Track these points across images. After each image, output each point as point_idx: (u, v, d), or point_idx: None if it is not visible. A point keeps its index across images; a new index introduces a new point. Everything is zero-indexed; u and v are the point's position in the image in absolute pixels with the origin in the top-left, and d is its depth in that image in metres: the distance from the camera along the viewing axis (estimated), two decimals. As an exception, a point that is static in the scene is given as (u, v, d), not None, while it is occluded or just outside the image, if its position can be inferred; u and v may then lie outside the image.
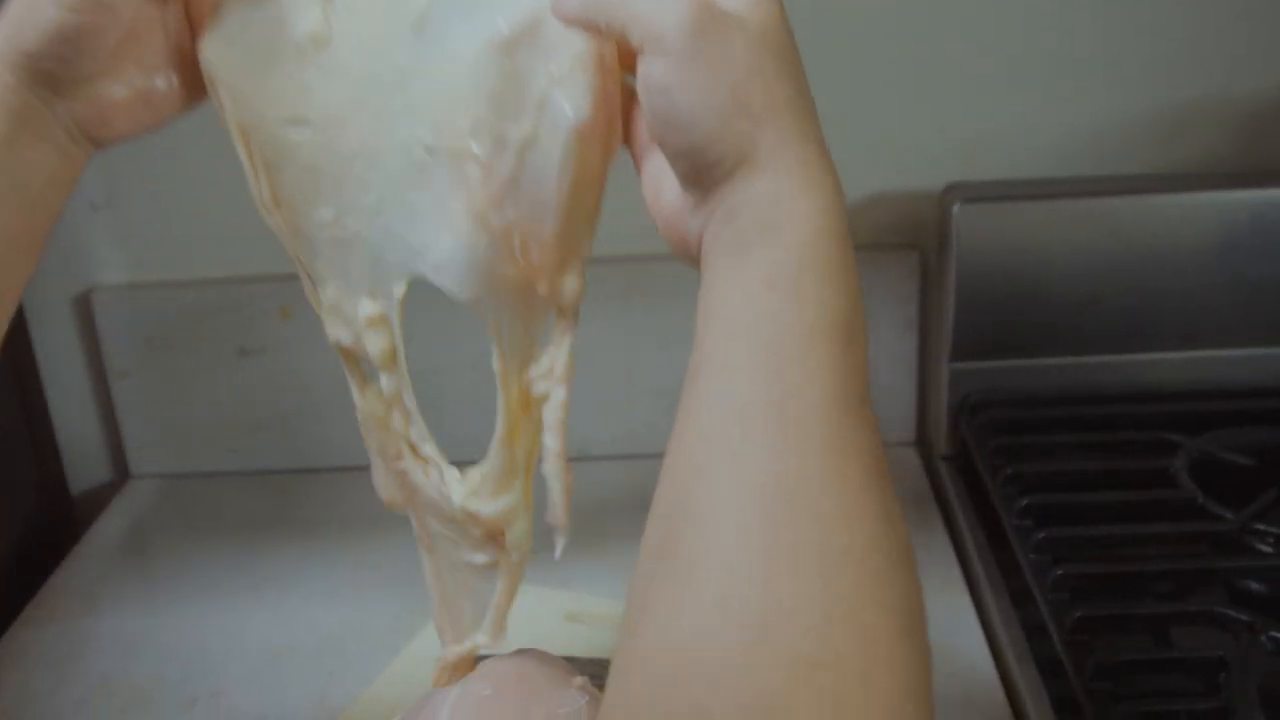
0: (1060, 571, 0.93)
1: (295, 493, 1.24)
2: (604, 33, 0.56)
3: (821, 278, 0.51)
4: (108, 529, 1.22)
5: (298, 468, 1.28)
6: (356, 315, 0.69)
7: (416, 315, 0.69)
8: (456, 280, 0.65)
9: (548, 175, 0.61)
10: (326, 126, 0.66)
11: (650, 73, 0.53)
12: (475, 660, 0.75)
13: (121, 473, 1.32)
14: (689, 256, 0.58)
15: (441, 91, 0.63)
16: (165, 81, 0.67)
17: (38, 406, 1.28)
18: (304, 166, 0.67)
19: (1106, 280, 1.15)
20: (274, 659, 1.01)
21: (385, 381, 0.71)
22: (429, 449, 0.72)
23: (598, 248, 1.24)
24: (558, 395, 0.68)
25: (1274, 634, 0.85)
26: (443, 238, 0.64)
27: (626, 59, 0.59)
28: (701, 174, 0.54)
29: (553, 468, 0.68)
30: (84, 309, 1.28)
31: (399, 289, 0.68)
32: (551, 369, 0.67)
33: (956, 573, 1.07)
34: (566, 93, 0.60)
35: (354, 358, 0.72)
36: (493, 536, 0.72)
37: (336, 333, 0.71)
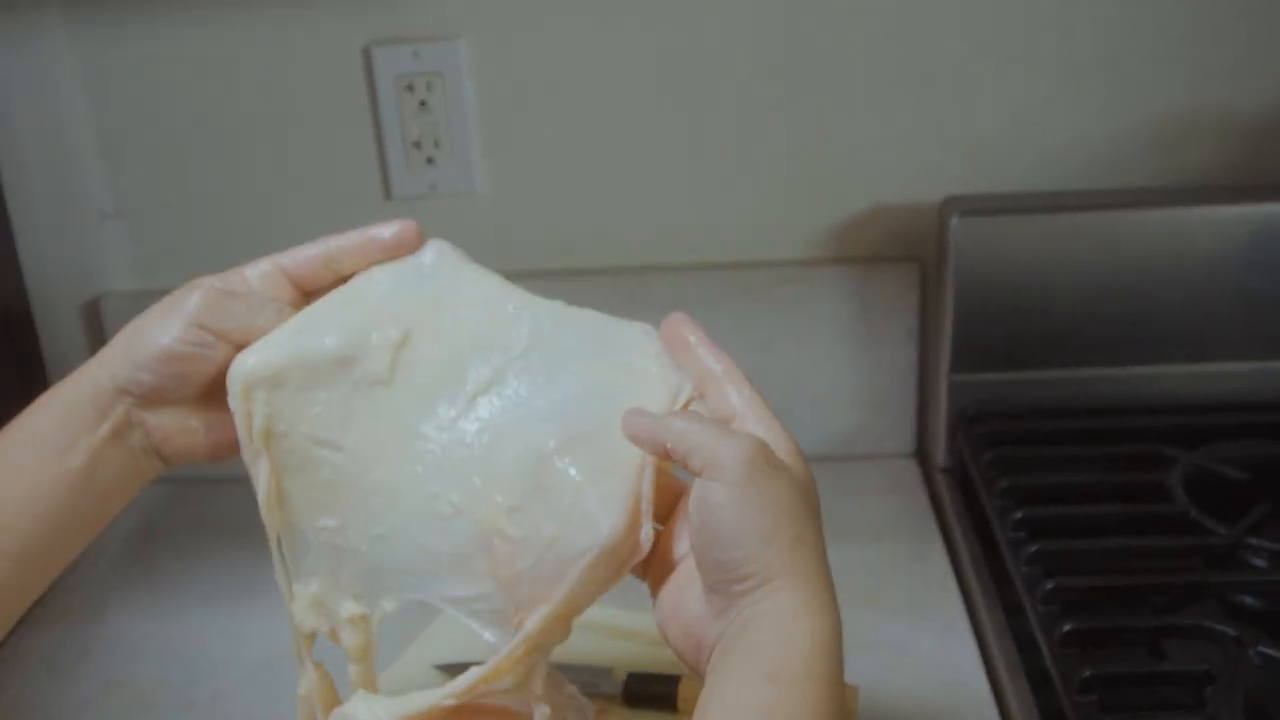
0: (1051, 585, 0.93)
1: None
2: (669, 455, 0.63)
3: (818, 686, 0.58)
4: (113, 534, 1.24)
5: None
6: (337, 611, 0.73)
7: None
8: (480, 618, 0.69)
9: (565, 571, 0.64)
10: (357, 458, 0.70)
11: (708, 491, 0.60)
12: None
13: (129, 478, 1.33)
14: (698, 662, 0.64)
15: (481, 465, 0.67)
16: (230, 426, 0.72)
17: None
18: (320, 483, 0.71)
19: (1105, 293, 1.16)
20: (271, 663, 1.02)
21: (353, 671, 0.74)
22: None
23: (599, 259, 1.25)
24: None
25: (1262, 649, 0.86)
26: (462, 585, 0.68)
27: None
28: (730, 585, 0.60)
29: None
30: (93, 316, 1.29)
31: (389, 604, 0.72)
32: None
33: (952, 584, 1.07)
34: (603, 506, 0.64)
35: (309, 640, 0.75)
36: None
37: (311, 621, 0.74)
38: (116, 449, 0.72)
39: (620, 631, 0.99)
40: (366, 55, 1.20)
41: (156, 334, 0.70)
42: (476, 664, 0.70)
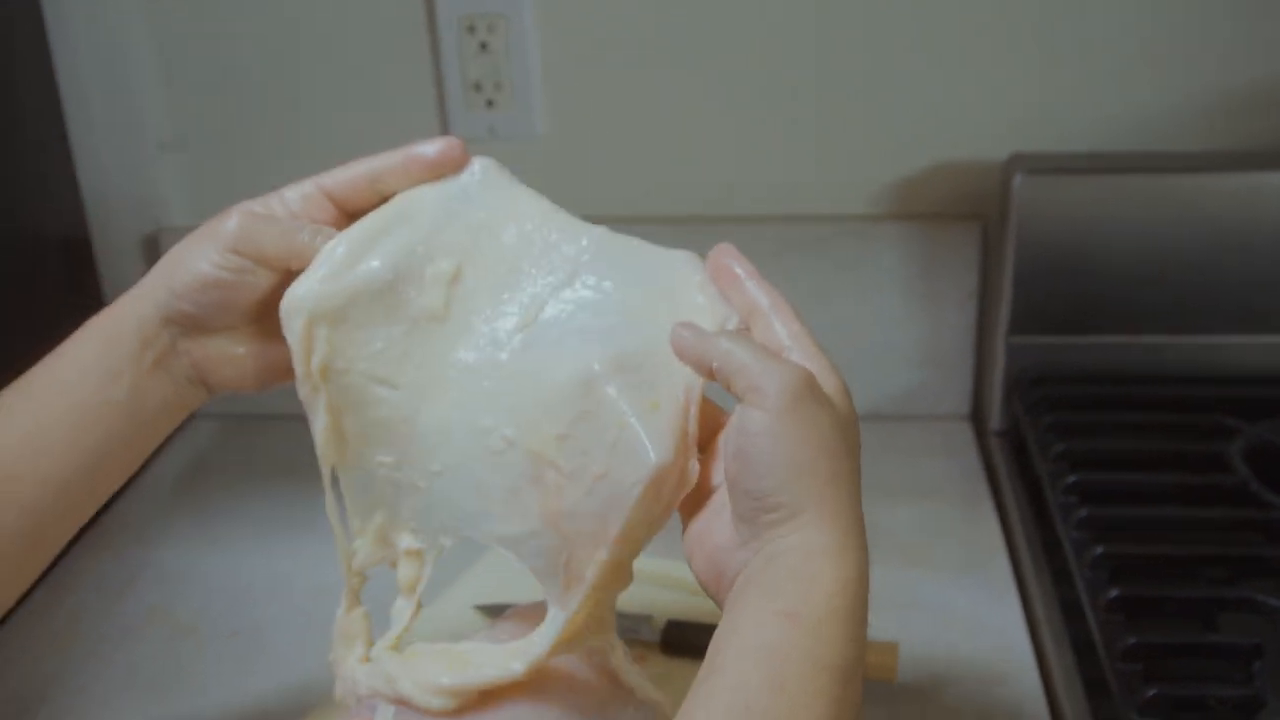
0: (1100, 550, 0.92)
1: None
2: (713, 375, 0.62)
3: (837, 627, 0.56)
4: (167, 466, 1.25)
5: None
6: (397, 544, 0.73)
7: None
8: (533, 561, 0.67)
9: (615, 506, 0.63)
10: (412, 395, 0.69)
11: (747, 417, 0.58)
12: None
13: (184, 412, 1.34)
14: (719, 591, 0.62)
15: (533, 396, 0.66)
16: (279, 354, 0.71)
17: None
18: (377, 420, 0.70)
19: (1169, 258, 1.13)
20: (316, 597, 1.02)
21: (397, 606, 0.74)
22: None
23: (659, 208, 1.24)
24: None
25: (1315, 624, 0.84)
26: (513, 522, 0.67)
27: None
28: (759, 515, 0.59)
29: None
30: (152, 250, 1.30)
31: (446, 541, 0.71)
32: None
33: (1000, 548, 1.06)
34: (651, 437, 0.62)
35: (360, 578, 0.75)
36: None
37: (377, 554, 0.74)
38: (160, 378, 0.72)
39: (661, 579, 0.99)
40: (429, -7, 1.20)
41: (195, 261, 0.70)
42: (515, 605, 0.69)
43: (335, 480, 0.72)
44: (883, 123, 1.21)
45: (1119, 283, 1.14)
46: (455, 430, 0.68)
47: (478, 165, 0.71)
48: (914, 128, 1.21)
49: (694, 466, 0.64)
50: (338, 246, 0.69)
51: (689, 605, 0.95)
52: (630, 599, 0.95)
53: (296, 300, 0.68)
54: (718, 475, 0.64)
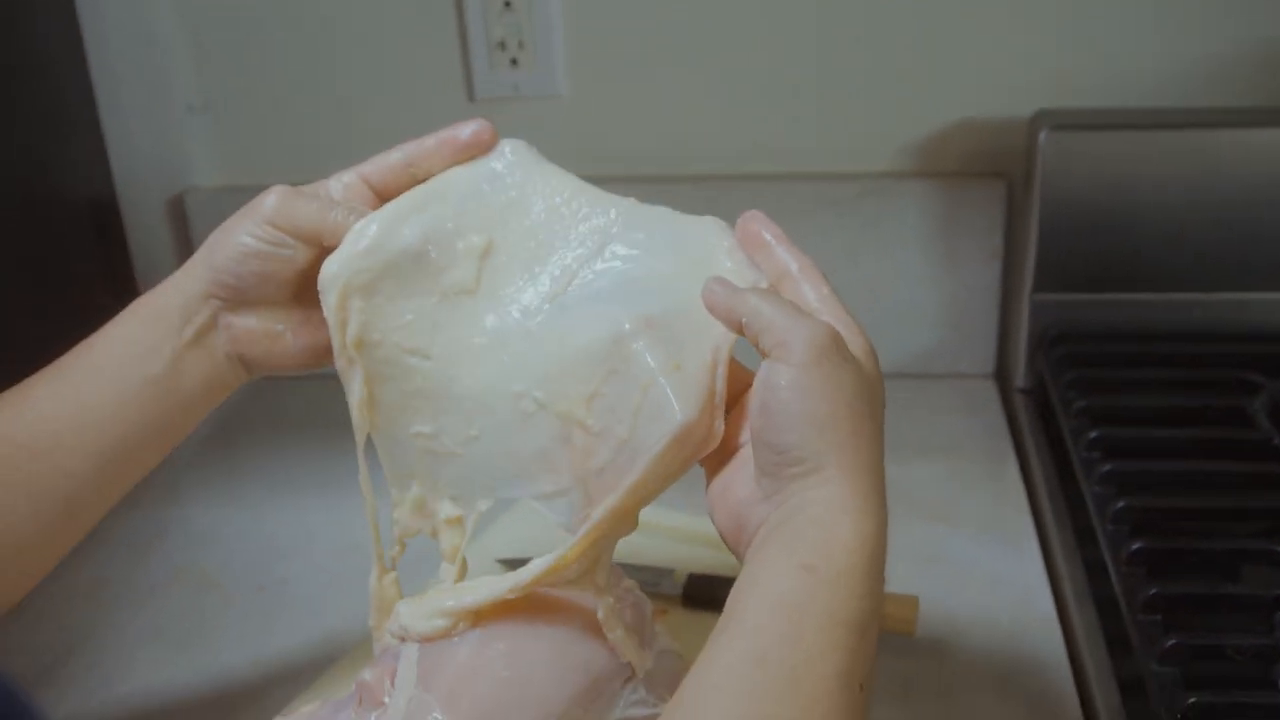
0: (1122, 504, 0.91)
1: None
2: (741, 330, 0.62)
3: (855, 581, 0.57)
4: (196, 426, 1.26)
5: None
6: (437, 513, 0.74)
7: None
8: (563, 517, 0.69)
9: (638, 459, 0.64)
10: (445, 366, 0.70)
11: (774, 372, 0.59)
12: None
13: (212, 372, 1.35)
14: (739, 545, 0.63)
15: (562, 359, 0.67)
16: (319, 334, 0.73)
17: (133, 305, 1.31)
18: (413, 390, 0.71)
19: (1194, 215, 1.12)
20: (341, 554, 1.04)
21: (444, 569, 0.76)
22: None
23: (682, 167, 1.24)
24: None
25: (1336, 576, 0.84)
26: (545, 481, 0.69)
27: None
28: (781, 469, 0.59)
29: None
30: (178, 211, 1.31)
31: (484, 504, 0.73)
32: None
33: (1023, 504, 1.06)
34: (679, 395, 0.63)
35: (400, 547, 0.77)
36: None
37: (415, 523, 0.75)
38: (200, 354, 0.74)
39: (684, 534, 0.99)
40: (453, -48, 1.20)
41: (235, 235, 0.71)
42: (536, 558, 0.70)
43: (368, 450, 0.73)
44: (908, 80, 1.20)
45: (1143, 240, 1.14)
46: (487, 397, 0.69)
47: (508, 146, 0.73)
48: (939, 85, 1.20)
49: (719, 425, 0.64)
50: (371, 224, 0.70)
51: (710, 560, 0.96)
52: (653, 553, 0.96)
53: (331, 273, 0.69)
54: (744, 433, 0.65)
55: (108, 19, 1.23)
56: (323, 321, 0.71)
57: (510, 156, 0.72)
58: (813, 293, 0.65)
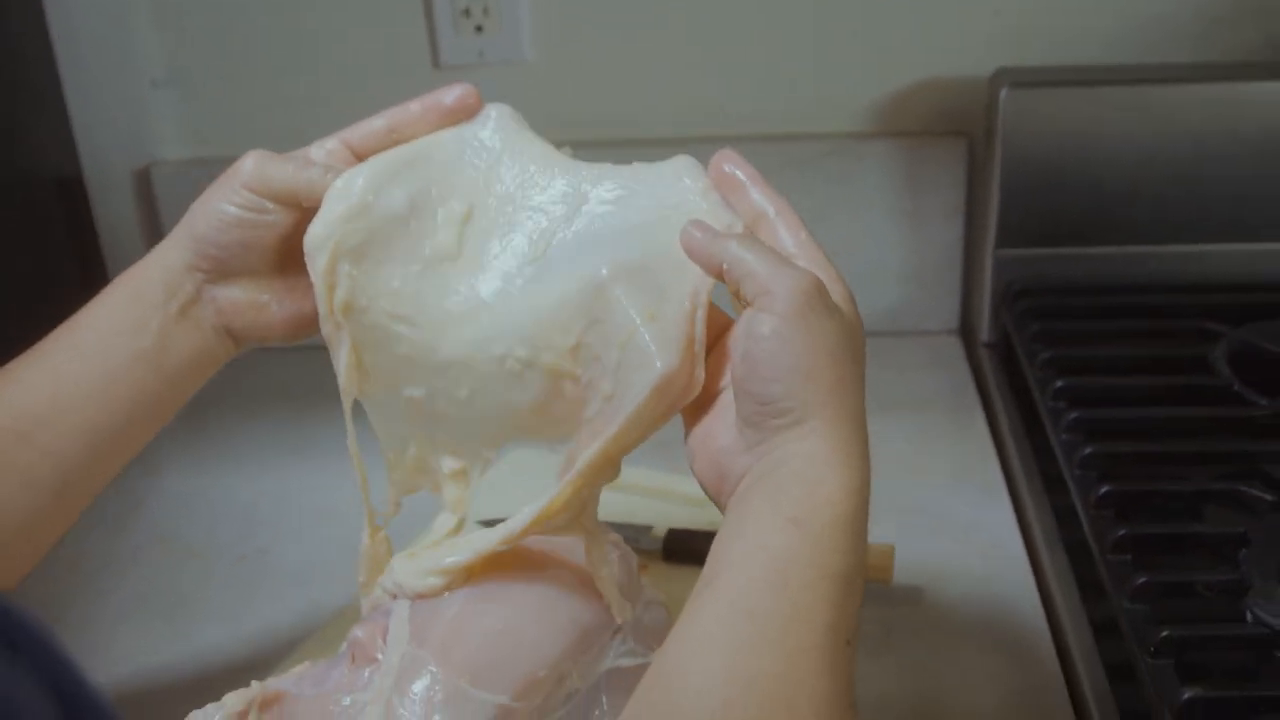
0: (1090, 449, 0.94)
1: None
2: (722, 276, 0.62)
3: (841, 534, 0.57)
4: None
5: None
6: (440, 468, 0.75)
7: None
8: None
9: (621, 408, 0.64)
10: (429, 333, 0.70)
11: (756, 321, 0.59)
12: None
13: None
14: (720, 493, 0.63)
15: (540, 313, 0.67)
16: (305, 302, 0.74)
17: (99, 280, 1.30)
18: (400, 356, 0.71)
19: (1154, 169, 1.14)
20: (319, 519, 1.05)
21: (444, 517, 0.77)
22: None
23: (648, 130, 1.25)
24: None
25: (1299, 513, 0.86)
26: (545, 431, 0.70)
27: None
28: (765, 419, 0.59)
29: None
30: (144, 183, 1.31)
31: (490, 453, 0.74)
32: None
33: (991, 455, 1.08)
34: (659, 343, 0.63)
35: (395, 507, 0.77)
36: None
37: (417, 482, 0.76)
38: (187, 328, 0.73)
39: (660, 493, 1.01)
40: (416, -81, 1.20)
41: (214, 204, 0.71)
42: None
43: (355, 415, 0.73)
44: (869, 40, 1.22)
45: (1104, 194, 1.16)
46: (472, 362, 0.70)
47: (493, 112, 0.73)
48: (900, 46, 1.22)
49: (700, 373, 0.64)
50: (356, 177, 0.69)
51: (687, 516, 0.97)
52: (631, 511, 0.98)
53: (320, 235, 0.69)
54: (722, 379, 0.65)
55: (70, -6, 1.22)
56: (308, 289, 0.71)
57: (495, 122, 0.73)
58: (790, 237, 0.64)
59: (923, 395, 1.18)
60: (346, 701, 0.72)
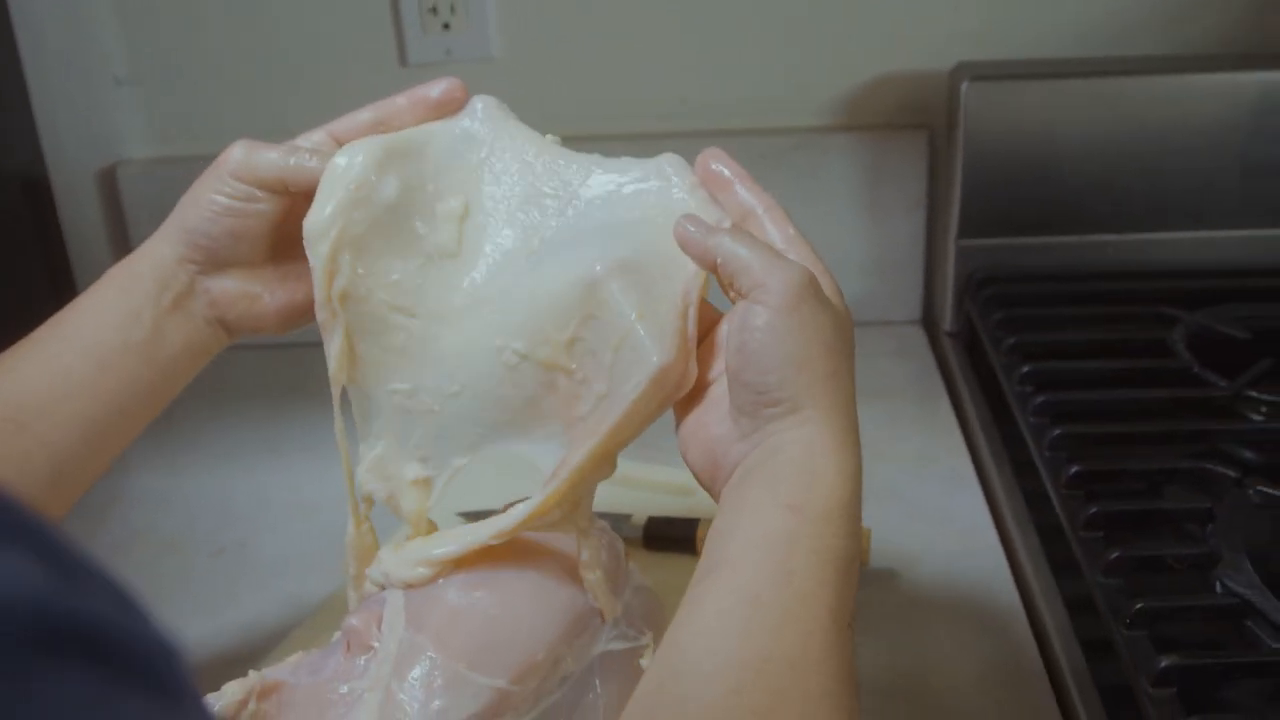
0: (1058, 431, 0.96)
1: (313, 364, 1.27)
2: (715, 269, 0.62)
3: (838, 520, 0.58)
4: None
5: (316, 341, 1.31)
6: (400, 475, 0.74)
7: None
8: (549, 462, 0.70)
9: (617, 402, 0.66)
10: (428, 325, 0.71)
11: (751, 313, 0.60)
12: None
13: (147, 345, 1.35)
14: (714, 482, 0.64)
15: (541, 308, 0.68)
16: (297, 292, 0.75)
17: (64, 279, 1.31)
18: (394, 347, 0.72)
19: (1113, 160, 1.17)
20: (296, 515, 1.05)
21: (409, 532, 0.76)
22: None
23: (614, 126, 1.26)
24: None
25: (1262, 488, 0.89)
26: (535, 429, 0.70)
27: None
28: (759, 409, 0.60)
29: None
30: (109, 183, 1.30)
31: (459, 460, 0.73)
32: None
33: (959, 441, 1.10)
34: (654, 337, 0.64)
35: (369, 502, 0.77)
36: None
37: (371, 484, 0.75)
38: (179, 319, 0.74)
39: (638, 482, 1.02)
40: (382, -83, 1.21)
41: (203, 194, 0.72)
42: (497, 512, 0.72)
43: (345, 405, 0.73)
44: (832, 35, 1.24)
45: (1064, 185, 1.19)
46: (469, 354, 0.70)
47: (479, 104, 0.74)
48: (862, 40, 1.24)
49: (693, 367, 0.66)
50: (357, 154, 0.69)
51: (665, 504, 0.98)
52: (609, 500, 0.99)
53: (321, 223, 0.69)
54: (712, 370, 0.66)
55: (33, -8, 1.22)
56: (300, 279, 0.72)
57: (482, 114, 0.74)
58: (778, 232, 0.66)
59: (888, 384, 1.20)
60: (344, 689, 0.73)
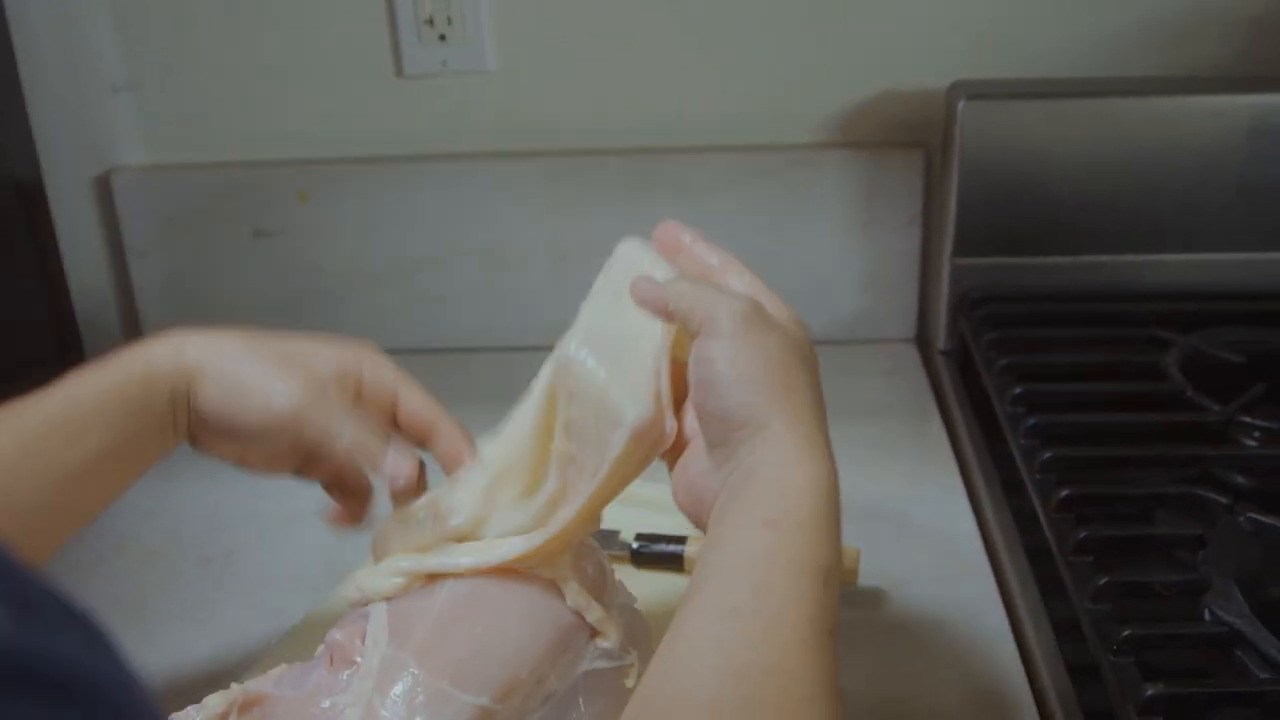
0: (1049, 454, 0.96)
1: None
2: (669, 316, 0.66)
3: (815, 532, 0.60)
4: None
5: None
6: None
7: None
8: None
9: (601, 464, 0.68)
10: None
11: (704, 346, 0.63)
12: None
13: (139, 351, 1.35)
14: (700, 515, 0.66)
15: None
16: (276, 464, 0.79)
17: (59, 286, 1.30)
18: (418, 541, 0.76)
19: (1107, 181, 1.17)
20: (285, 523, 1.04)
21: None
22: None
23: (610, 140, 1.26)
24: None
25: (1253, 515, 0.88)
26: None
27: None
28: (728, 435, 0.63)
29: None
30: (104, 190, 1.30)
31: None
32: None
33: (950, 460, 1.10)
34: (629, 397, 0.67)
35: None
36: None
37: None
38: (151, 438, 0.76)
39: (627, 498, 1.01)
40: (380, -73, 1.21)
41: (235, 403, 0.75)
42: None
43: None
44: (829, 52, 1.24)
45: (1058, 205, 1.18)
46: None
47: None
48: (859, 57, 1.24)
49: (670, 423, 0.68)
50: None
51: (654, 522, 0.98)
52: (612, 519, 0.98)
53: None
54: (691, 425, 0.68)
55: (30, 1, 1.22)
56: (285, 455, 0.77)
57: None
58: (737, 280, 0.69)
59: (881, 402, 1.20)
60: (326, 704, 0.72)
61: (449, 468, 0.76)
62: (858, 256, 1.27)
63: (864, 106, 1.25)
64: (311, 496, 1.06)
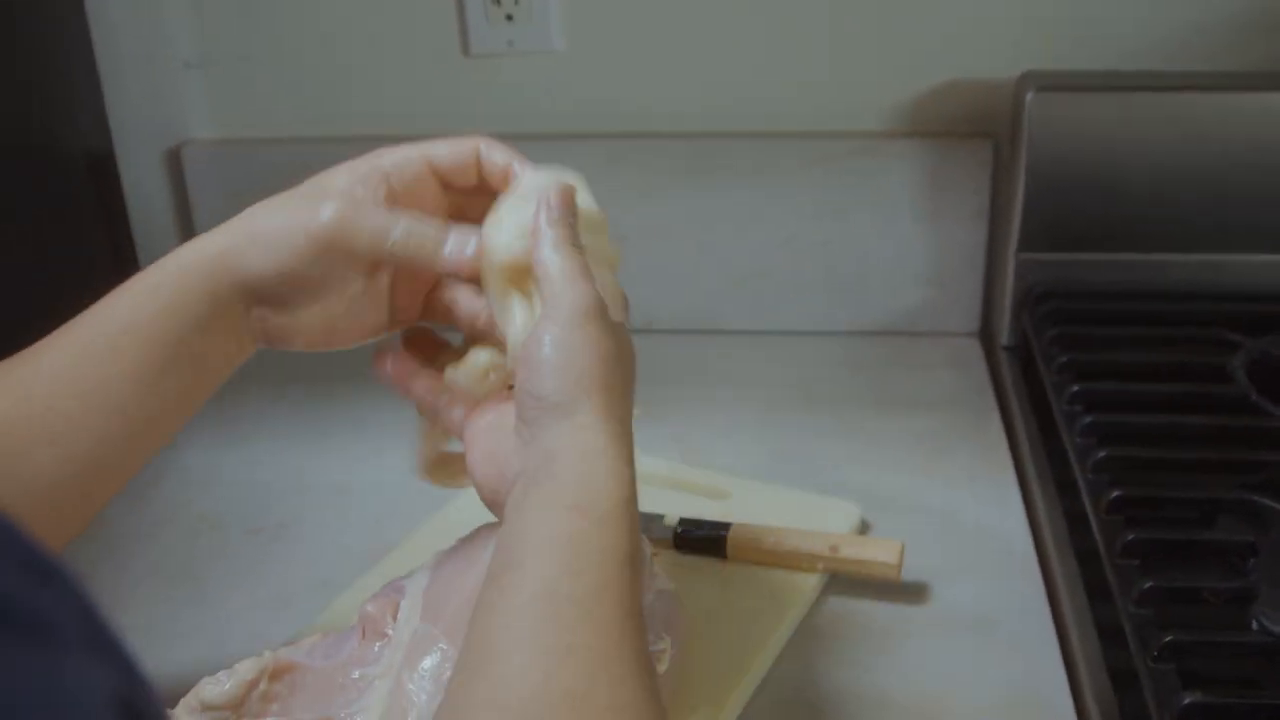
0: (1103, 454, 0.94)
1: (361, 350, 1.28)
2: (531, 260, 0.69)
3: (618, 519, 0.62)
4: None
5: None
6: None
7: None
8: None
9: None
10: None
11: (541, 328, 0.66)
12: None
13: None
14: (498, 493, 0.68)
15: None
16: (355, 320, 0.77)
17: (128, 257, 1.33)
18: None
19: (1179, 177, 1.14)
20: (336, 495, 1.06)
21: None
22: None
23: (674, 123, 1.26)
24: None
25: (1310, 524, 0.86)
26: None
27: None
28: (540, 415, 0.65)
29: None
30: (175, 164, 1.32)
31: None
32: None
33: (1005, 458, 1.08)
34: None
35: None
36: None
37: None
38: (221, 335, 0.73)
39: (672, 482, 1.01)
40: (449, -95, 1.21)
41: (278, 247, 0.71)
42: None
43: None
44: (896, 39, 1.22)
45: (1127, 201, 1.16)
46: None
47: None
48: (928, 45, 1.22)
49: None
50: None
51: (699, 506, 0.98)
52: (643, 500, 0.98)
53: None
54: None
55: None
56: (353, 314, 0.75)
57: None
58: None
59: (940, 396, 1.19)
60: (356, 675, 0.73)
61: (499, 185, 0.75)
62: (922, 248, 1.26)
63: (932, 95, 1.23)
64: (365, 470, 1.08)
